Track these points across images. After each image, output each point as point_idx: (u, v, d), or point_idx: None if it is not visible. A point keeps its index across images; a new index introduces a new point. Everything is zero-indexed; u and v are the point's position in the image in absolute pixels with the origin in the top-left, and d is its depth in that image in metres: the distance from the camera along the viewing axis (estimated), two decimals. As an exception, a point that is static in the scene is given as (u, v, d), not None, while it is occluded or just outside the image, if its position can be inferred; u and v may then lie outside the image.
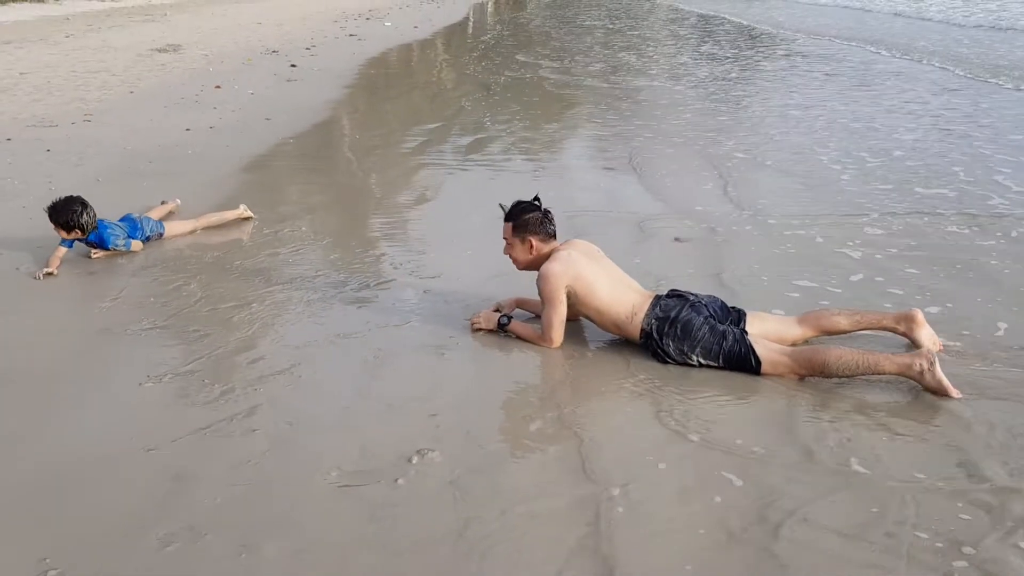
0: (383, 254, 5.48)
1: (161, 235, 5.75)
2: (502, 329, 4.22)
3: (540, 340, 4.09)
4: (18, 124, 9.59)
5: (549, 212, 4.22)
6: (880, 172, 7.36)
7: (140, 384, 3.77)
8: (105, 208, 6.29)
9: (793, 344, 4.03)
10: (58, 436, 3.40)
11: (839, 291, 4.74)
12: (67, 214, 5.25)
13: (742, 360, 3.78)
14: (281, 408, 3.56)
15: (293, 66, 14.62)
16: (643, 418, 3.46)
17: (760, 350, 3.77)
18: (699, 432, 3.31)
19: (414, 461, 3.15)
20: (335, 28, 22.04)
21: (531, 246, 4.15)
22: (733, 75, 13.34)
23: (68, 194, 5.40)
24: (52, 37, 18.22)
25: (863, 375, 3.65)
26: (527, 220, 4.15)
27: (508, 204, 4.26)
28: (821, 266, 5.14)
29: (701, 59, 15.59)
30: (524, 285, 4.38)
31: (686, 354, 3.85)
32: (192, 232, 5.91)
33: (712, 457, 3.15)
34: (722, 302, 4.10)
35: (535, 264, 4.16)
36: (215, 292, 4.82)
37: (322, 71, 14.31)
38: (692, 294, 4.06)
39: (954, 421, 3.38)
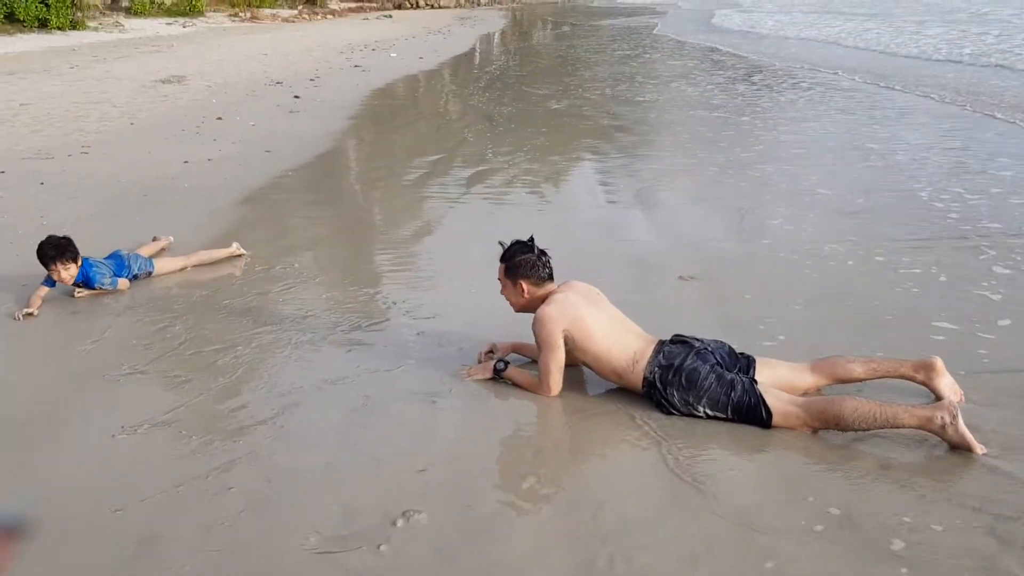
0: (378, 292, 5.29)
1: (150, 273, 5.57)
2: (498, 375, 4.01)
3: (537, 388, 3.87)
4: (14, 156, 9.47)
5: (544, 254, 4.02)
6: (885, 203, 7.16)
7: (113, 435, 3.57)
8: (96, 243, 6.15)
9: (805, 393, 3.81)
10: (21, 493, 3.20)
11: (856, 336, 4.50)
12: (72, 245, 5.14)
13: (751, 411, 3.56)
14: (261, 463, 3.35)
15: (296, 97, 14.54)
16: (647, 476, 3.24)
17: (771, 401, 3.55)
18: (708, 492, 3.09)
19: (399, 524, 2.93)
20: (340, 59, 22.03)
21: (523, 290, 3.96)
22: (741, 108, 13.18)
23: (51, 234, 5.24)
24: (57, 68, 18.22)
25: (880, 428, 3.42)
26: (519, 263, 3.96)
27: (508, 242, 4.07)
28: (838, 306, 4.91)
29: (710, 90, 15.46)
30: (523, 325, 4.16)
31: (692, 405, 3.64)
32: (182, 269, 5.73)
33: (722, 521, 2.92)
34: (730, 348, 3.89)
35: (531, 307, 3.97)
36: (200, 334, 4.63)
37: (325, 102, 14.21)
38: (697, 340, 3.85)
39: (983, 480, 3.14)
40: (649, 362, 3.73)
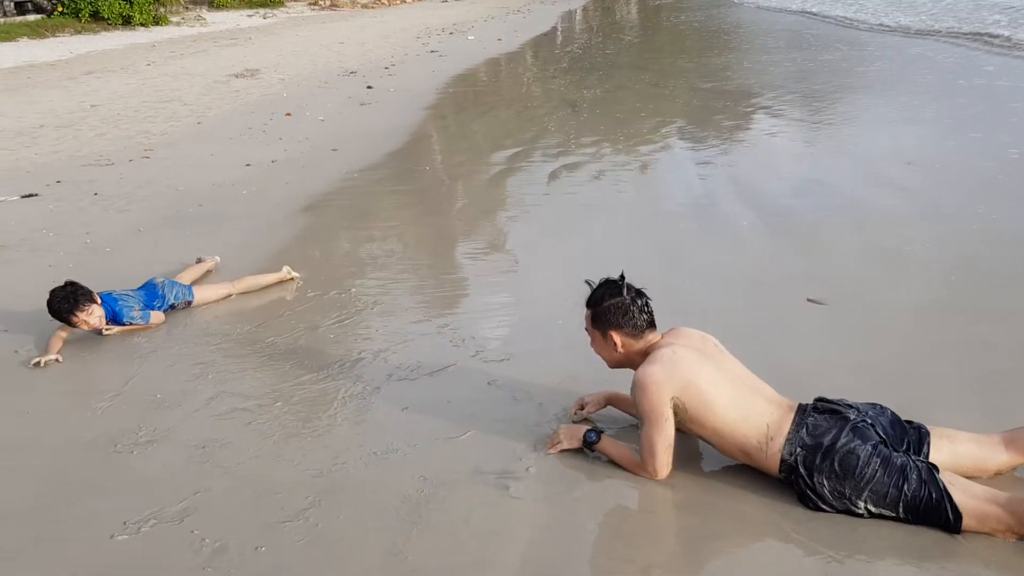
0: (444, 325, 4.51)
1: (190, 303, 4.91)
2: (589, 448, 3.18)
3: (639, 469, 3.02)
4: (74, 163, 9.03)
5: (642, 296, 3.15)
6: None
7: (112, 536, 2.87)
8: (141, 262, 5.59)
9: (998, 473, 2.88)
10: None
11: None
12: (79, 287, 4.49)
13: (932, 511, 2.65)
14: (284, 581, 2.61)
15: (369, 88, 13.89)
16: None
17: (959, 496, 2.63)
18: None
19: None
20: (417, 45, 21.36)
21: (616, 343, 3.11)
22: (867, 92, 11.95)
23: (67, 280, 4.59)
24: (134, 65, 18.02)
25: None
26: (609, 309, 3.10)
27: (596, 280, 3.23)
28: None
29: (821, 71, 14.19)
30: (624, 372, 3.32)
31: (849, 499, 2.74)
32: (227, 297, 5.06)
33: None
34: (892, 414, 2.97)
35: (629, 363, 3.12)
36: (235, 386, 3.92)
37: (399, 92, 13.52)
38: (850, 406, 2.93)
39: None
40: (788, 439, 2.85)
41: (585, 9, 34.75)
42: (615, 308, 3.10)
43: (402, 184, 7.88)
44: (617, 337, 3.09)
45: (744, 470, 3.02)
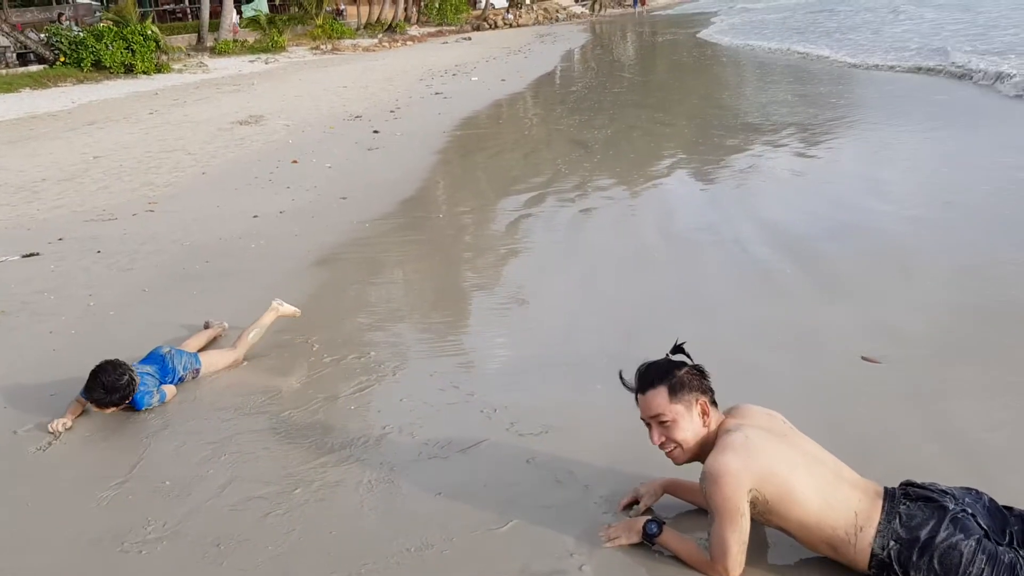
0: (472, 393, 4.20)
1: (198, 371, 4.61)
2: (649, 540, 2.85)
3: (708, 568, 2.70)
4: (76, 219, 8.78)
5: (702, 367, 2.86)
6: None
7: (118, 657, 2.55)
8: (147, 325, 5.34)
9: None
10: None
11: None
12: (122, 389, 4.17)
13: (1049, 616, 2.32)
14: None
15: (376, 132, 13.70)
16: None
17: (1079, 600, 2.31)
18: None
19: None
20: (420, 87, 21.25)
21: (705, 412, 2.78)
22: (882, 125, 11.72)
23: (109, 359, 4.26)
24: (136, 114, 17.88)
25: None
26: (686, 376, 2.79)
27: (632, 372, 2.91)
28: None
29: (824, 103, 13.99)
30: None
31: (951, 601, 2.42)
32: (237, 364, 4.76)
33: None
34: (989, 500, 2.65)
35: (703, 448, 2.78)
36: (250, 470, 3.61)
37: (405, 136, 13.32)
38: (946, 493, 2.61)
39: None
40: (880, 531, 2.53)
41: (583, 48, 34.79)
42: (691, 374, 2.78)
43: (415, 233, 7.61)
44: (707, 404, 2.77)
45: (823, 565, 2.70)
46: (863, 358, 4.21)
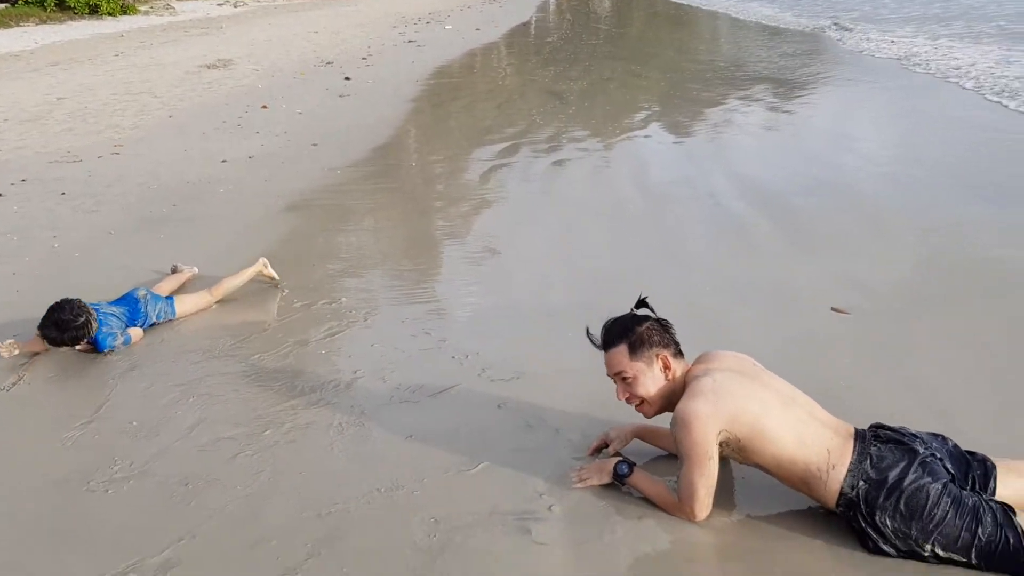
0: (443, 340, 4.18)
1: (171, 320, 4.55)
2: (620, 481, 2.88)
3: (676, 509, 2.72)
4: (40, 160, 8.57)
5: (665, 321, 2.88)
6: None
7: (86, 594, 2.54)
8: (113, 268, 5.23)
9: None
10: None
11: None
12: (75, 330, 4.09)
13: (1010, 558, 2.38)
14: (285, 651, 2.29)
15: (347, 79, 13.48)
16: None
17: (1041, 540, 2.36)
18: None
19: None
20: (394, 34, 20.92)
21: (666, 366, 2.80)
22: (856, 83, 11.71)
23: (64, 297, 4.20)
24: (102, 56, 17.45)
25: None
26: (647, 332, 2.80)
27: (593, 326, 2.93)
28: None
29: (799, 58, 13.93)
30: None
31: (915, 541, 2.46)
32: (208, 308, 4.70)
33: None
34: (954, 445, 2.69)
35: (670, 399, 2.81)
36: (219, 411, 3.58)
37: (377, 83, 13.14)
38: (916, 437, 2.65)
39: None
40: (851, 470, 2.56)
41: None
42: (653, 328, 2.80)
43: (388, 181, 7.53)
44: (668, 357, 2.79)
45: (790, 510, 2.74)
46: (833, 309, 4.25)
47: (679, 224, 5.90)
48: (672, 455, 2.99)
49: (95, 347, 4.19)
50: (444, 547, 2.66)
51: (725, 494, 2.80)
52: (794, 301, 4.45)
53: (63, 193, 7.25)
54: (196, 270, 5.15)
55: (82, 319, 4.09)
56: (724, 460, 2.80)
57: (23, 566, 2.69)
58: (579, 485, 2.91)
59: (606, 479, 2.90)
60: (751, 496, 2.84)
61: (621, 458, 2.92)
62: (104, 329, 4.18)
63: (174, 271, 5.09)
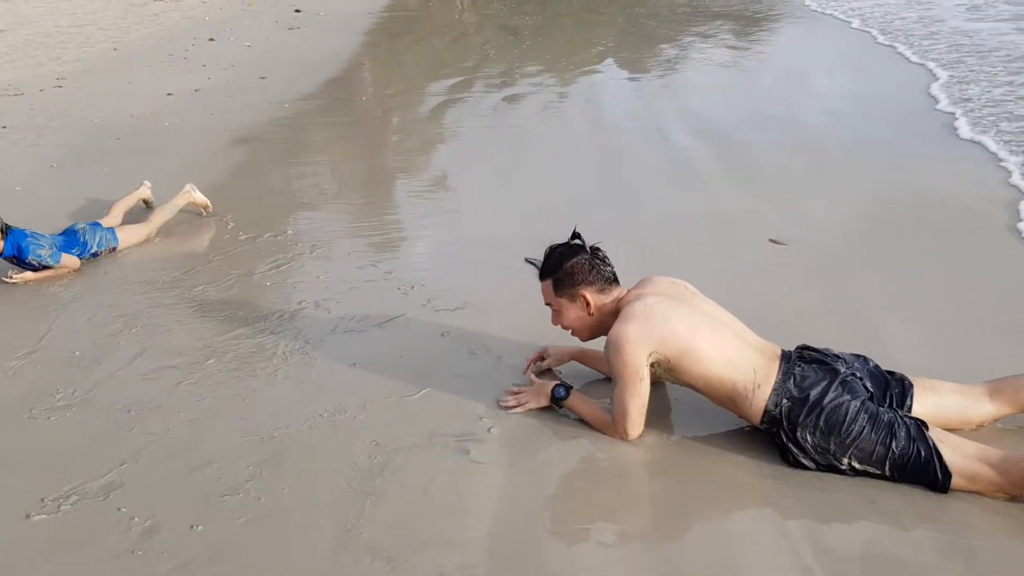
0: (390, 271, 4.21)
1: (114, 249, 4.51)
2: (557, 403, 2.96)
3: (609, 429, 2.81)
4: (-22, 93, 8.34)
5: (599, 251, 2.92)
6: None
7: (28, 515, 2.56)
8: (55, 201, 5.16)
9: (980, 426, 2.75)
10: None
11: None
12: None
13: (920, 469, 2.50)
14: (225, 566, 2.34)
15: (297, 11, 13.19)
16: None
17: (949, 454, 2.49)
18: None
19: None
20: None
21: (588, 303, 2.87)
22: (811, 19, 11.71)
23: None
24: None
25: None
26: (572, 269, 2.86)
27: (537, 256, 2.98)
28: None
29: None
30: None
31: (833, 456, 2.58)
32: (149, 240, 4.67)
33: None
34: (875, 366, 2.81)
35: (602, 327, 2.88)
36: (163, 340, 3.59)
37: (329, 16, 12.88)
38: (838, 357, 2.76)
39: None
40: (775, 389, 2.65)
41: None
42: (578, 266, 2.86)
43: (338, 115, 7.45)
44: (588, 295, 2.85)
45: (719, 428, 2.85)
46: (770, 240, 4.34)
47: (629, 159, 5.94)
48: (608, 379, 3.07)
49: (21, 260, 4.14)
50: (384, 467, 2.72)
51: (657, 415, 2.89)
52: (736, 232, 4.53)
53: (3, 127, 7.08)
54: (148, 184, 5.03)
55: None
56: (658, 383, 2.90)
57: (-38, 491, 2.71)
58: (518, 409, 2.98)
59: (544, 402, 2.97)
60: (682, 417, 2.94)
61: (559, 382, 2.99)
62: (29, 240, 4.13)
63: (126, 196, 4.95)
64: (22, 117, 7.38)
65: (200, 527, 2.48)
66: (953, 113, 6.61)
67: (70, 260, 4.28)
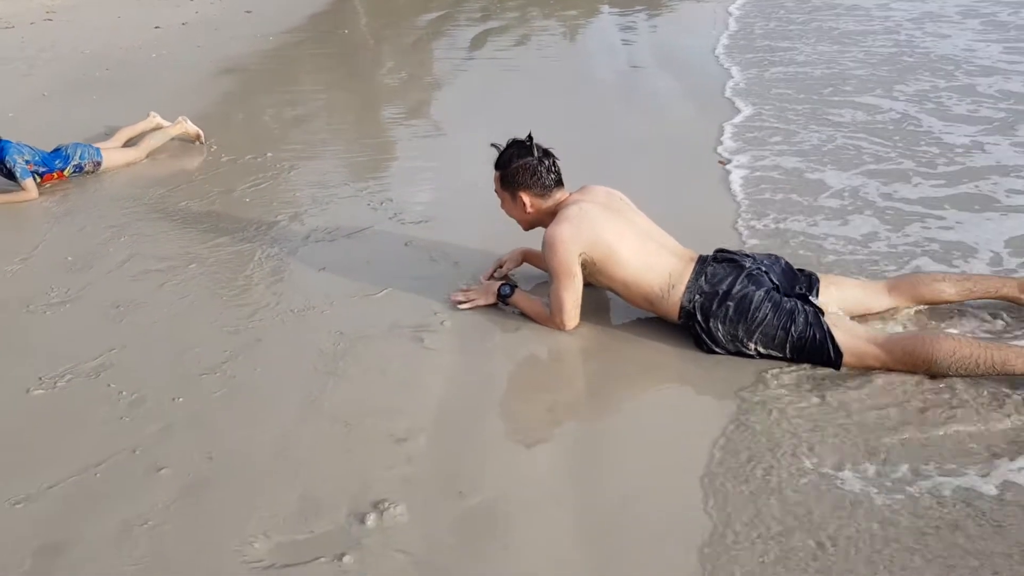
0: (363, 188, 4.51)
1: (98, 164, 4.79)
2: (503, 301, 3.27)
3: (548, 321, 3.13)
4: (-32, 25, 8.53)
5: (548, 156, 3.19)
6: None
7: (28, 390, 2.89)
8: (47, 126, 5.42)
9: (881, 317, 3.07)
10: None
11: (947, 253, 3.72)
12: None
13: (816, 350, 2.82)
14: (203, 430, 2.67)
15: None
16: (687, 444, 2.54)
17: (841, 336, 2.81)
18: (757, 462, 2.38)
19: (369, 522, 2.26)
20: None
21: (525, 203, 3.17)
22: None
23: None
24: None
25: (985, 376, 2.68)
26: (517, 170, 3.15)
27: (503, 143, 3.25)
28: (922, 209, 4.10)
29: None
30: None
31: (741, 341, 2.90)
32: (137, 162, 4.95)
33: (774, 505, 2.23)
34: (786, 263, 3.12)
35: (540, 223, 3.19)
36: (149, 248, 3.90)
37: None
38: (747, 256, 3.07)
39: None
40: (688, 287, 2.97)
41: None
42: (523, 169, 3.14)
43: (322, 47, 7.66)
44: (526, 197, 3.15)
45: (646, 322, 3.16)
46: (719, 162, 4.62)
47: (600, 87, 6.18)
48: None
49: (4, 164, 4.45)
50: (346, 352, 3.04)
51: (592, 310, 3.20)
52: (687, 154, 4.82)
53: (-5, 57, 7.29)
54: (155, 114, 5.27)
55: None
56: (590, 286, 3.21)
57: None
58: (466, 306, 3.29)
59: (491, 299, 3.28)
60: (615, 313, 3.26)
61: (504, 281, 3.30)
62: (13, 150, 4.45)
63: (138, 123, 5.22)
64: (13, 49, 7.58)
65: (181, 399, 2.81)
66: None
67: (30, 186, 4.50)
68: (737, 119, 5.38)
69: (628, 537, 2.17)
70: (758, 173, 4.52)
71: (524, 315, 3.23)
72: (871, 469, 2.34)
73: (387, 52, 7.51)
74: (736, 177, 4.48)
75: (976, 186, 4.27)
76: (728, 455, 2.43)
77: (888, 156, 4.68)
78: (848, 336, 2.82)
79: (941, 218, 3.94)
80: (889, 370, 2.77)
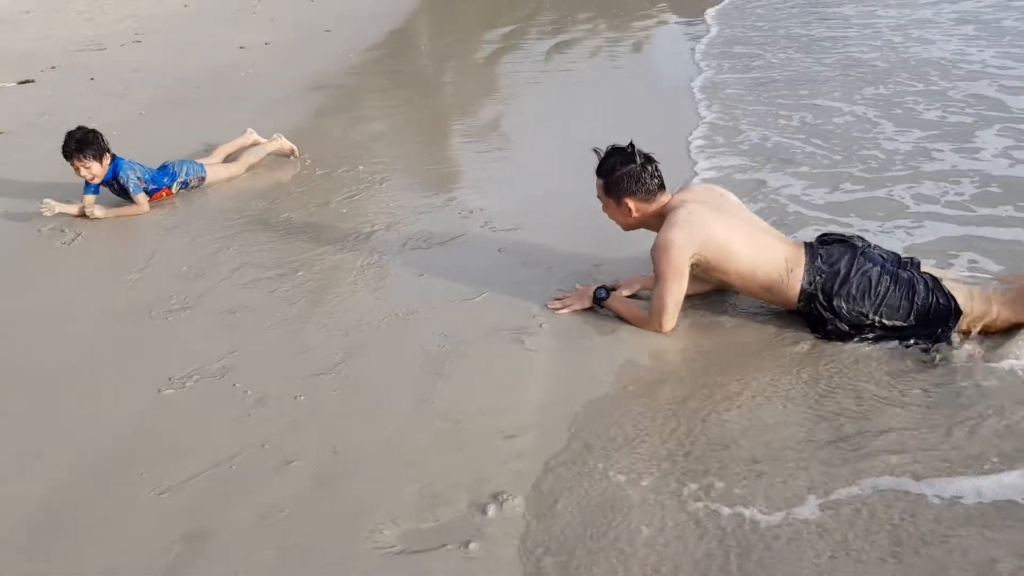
0: (451, 198, 4.68)
1: (203, 179, 5.06)
2: (599, 304, 3.40)
3: (646, 324, 3.25)
4: (67, 49, 8.97)
5: (651, 162, 3.30)
6: None
7: (159, 390, 3.10)
8: (150, 142, 5.70)
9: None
10: (47, 467, 2.76)
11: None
12: (97, 140, 4.66)
13: (941, 316, 2.94)
14: (326, 425, 2.85)
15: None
16: (813, 441, 2.63)
17: (962, 299, 2.95)
18: (896, 456, 2.46)
19: (490, 512, 2.41)
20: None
21: (630, 209, 3.28)
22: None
23: (92, 128, 4.78)
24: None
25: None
26: (621, 177, 3.27)
27: (603, 149, 3.37)
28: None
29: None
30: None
31: (865, 315, 3.00)
32: (238, 176, 5.21)
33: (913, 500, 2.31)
34: (891, 251, 3.23)
35: (644, 225, 3.32)
36: (256, 257, 4.12)
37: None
38: (858, 237, 3.21)
39: None
40: (807, 270, 3.08)
41: None
42: (627, 176, 3.25)
43: (399, 64, 7.90)
44: (631, 203, 3.27)
45: (742, 322, 3.26)
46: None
47: (667, 93, 6.27)
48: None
49: (116, 178, 4.72)
50: (451, 353, 3.20)
51: (682, 315, 3.31)
52: (767, 158, 4.89)
53: (92, 79, 7.67)
54: (251, 131, 5.54)
55: (92, 134, 4.66)
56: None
57: (101, 371, 3.27)
58: (563, 311, 3.42)
59: (587, 303, 3.41)
60: (709, 311, 3.36)
61: (600, 285, 3.43)
62: (127, 168, 4.73)
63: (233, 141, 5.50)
64: (107, 70, 7.97)
65: (302, 398, 2.99)
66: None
67: (142, 200, 4.79)
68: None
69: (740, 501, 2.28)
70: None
71: (619, 318, 3.35)
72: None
73: (460, 67, 7.72)
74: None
75: (890, 192, 4.32)
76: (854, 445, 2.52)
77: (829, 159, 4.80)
78: (966, 297, 2.94)
79: (848, 225, 4.05)
80: (1011, 324, 2.91)
